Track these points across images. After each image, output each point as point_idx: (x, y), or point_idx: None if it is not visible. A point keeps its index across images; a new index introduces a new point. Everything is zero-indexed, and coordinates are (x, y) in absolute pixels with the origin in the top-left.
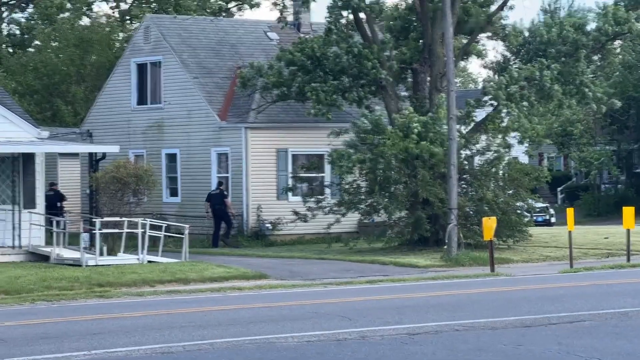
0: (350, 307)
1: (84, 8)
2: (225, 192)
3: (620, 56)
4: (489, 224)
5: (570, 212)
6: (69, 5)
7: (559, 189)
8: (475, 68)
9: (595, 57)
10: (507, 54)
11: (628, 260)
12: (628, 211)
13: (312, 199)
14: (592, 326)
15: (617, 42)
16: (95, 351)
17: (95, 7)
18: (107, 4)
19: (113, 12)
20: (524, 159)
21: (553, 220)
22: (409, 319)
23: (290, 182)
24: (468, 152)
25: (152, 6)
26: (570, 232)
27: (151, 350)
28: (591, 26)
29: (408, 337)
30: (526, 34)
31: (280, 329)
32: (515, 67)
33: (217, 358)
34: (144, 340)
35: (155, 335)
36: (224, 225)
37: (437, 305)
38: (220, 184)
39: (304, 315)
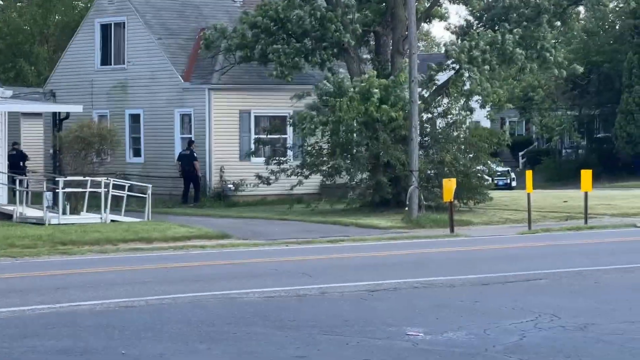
0: (311, 265)
1: None
2: (195, 154)
3: (582, 22)
4: (449, 185)
5: (529, 174)
6: None
7: (520, 153)
8: (439, 32)
9: (558, 23)
10: (470, 18)
11: (585, 222)
12: (586, 174)
13: (275, 161)
14: (547, 285)
15: (580, 8)
16: (60, 304)
17: None
18: None
19: None
20: (486, 123)
21: (514, 184)
22: (369, 276)
23: (252, 143)
24: (429, 115)
25: None
26: (529, 194)
27: (115, 304)
28: None
29: (367, 294)
30: (490, 1)
31: (242, 285)
32: (478, 32)
33: (179, 312)
34: (107, 295)
35: (119, 290)
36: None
37: (396, 264)
38: (190, 143)
39: (265, 272)
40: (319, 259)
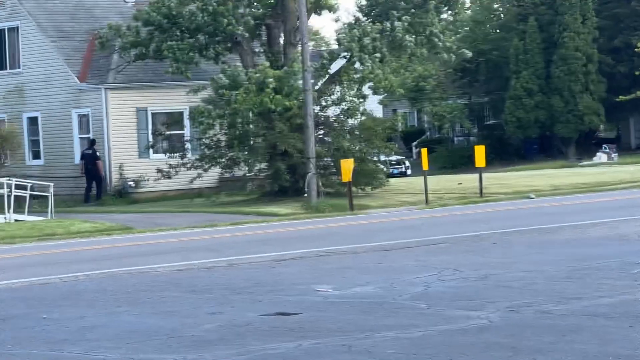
0: (217, 242)
1: None
2: (98, 153)
3: (469, 11)
4: (347, 165)
5: (424, 152)
6: None
7: (413, 144)
8: (328, 32)
9: (446, 15)
10: (359, 15)
11: (481, 195)
12: (479, 150)
13: (174, 156)
14: (447, 247)
15: None
16: None
17: None
18: None
19: None
20: (379, 111)
21: (409, 172)
22: (274, 249)
23: (150, 140)
24: (323, 104)
25: None
26: (425, 171)
27: (30, 282)
28: None
29: (275, 262)
30: None
31: (152, 261)
32: (368, 22)
33: (94, 284)
34: (21, 275)
35: (32, 270)
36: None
37: (300, 237)
38: (92, 143)
39: (173, 250)
40: (224, 237)
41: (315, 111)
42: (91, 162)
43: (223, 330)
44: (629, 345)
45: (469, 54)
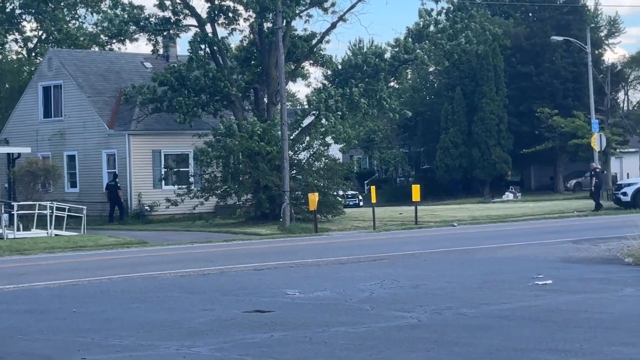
0: (212, 255)
1: None
2: (119, 185)
3: (410, 81)
4: (313, 197)
5: (372, 189)
6: None
7: (365, 182)
8: (302, 95)
9: (392, 83)
10: (326, 82)
11: (416, 223)
12: (415, 188)
13: (181, 187)
14: (388, 262)
15: (409, 71)
16: (21, 285)
17: (6, 46)
18: (17, 44)
19: (21, 50)
20: (339, 156)
21: (361, 204)
22: (256, 260)
23: (163, 174)
24: (296, 149)
25: (51, 45)
26: (373, 203)
27: (64, 284)
28: (388, 55)
29: (255, 271)
30: (339, 67)
31: (160, 268)
32: (332, 87)
33: (114, 286)
34: (57, 277)
35: (66, 274)
36: (117, 209)
37: (276, 252)
38: (115, 176)
39: (177, 259)
40: (217, 251)
41: (290, 155)
42: (113, 191)
43: (213, 323)
44: (524, 340)
45: (409, 114)
